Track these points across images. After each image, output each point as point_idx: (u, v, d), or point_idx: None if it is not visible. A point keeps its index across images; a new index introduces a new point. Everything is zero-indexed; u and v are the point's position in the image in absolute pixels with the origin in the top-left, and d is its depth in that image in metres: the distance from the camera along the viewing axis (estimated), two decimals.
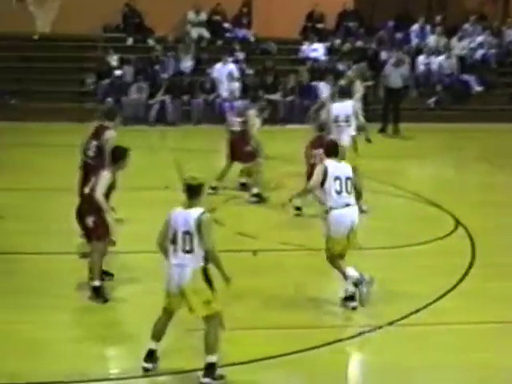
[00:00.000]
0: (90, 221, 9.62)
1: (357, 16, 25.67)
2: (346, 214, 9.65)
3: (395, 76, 21.65)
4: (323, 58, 24.37)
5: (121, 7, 24.16)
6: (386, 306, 9.79)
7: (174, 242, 7.65)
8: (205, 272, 7.63)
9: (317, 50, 24.46)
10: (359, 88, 20.48)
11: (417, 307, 9.61)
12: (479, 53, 25.02)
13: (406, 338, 9.03)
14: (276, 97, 22.41)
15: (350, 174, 9.82)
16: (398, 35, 25.33)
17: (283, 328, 9.16)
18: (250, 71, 23.23)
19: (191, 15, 24.69)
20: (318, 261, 11.23)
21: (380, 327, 9.15)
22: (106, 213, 9.52)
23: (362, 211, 12.25)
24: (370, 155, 15.19)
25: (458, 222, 13.12)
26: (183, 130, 21.73)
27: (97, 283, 9.68)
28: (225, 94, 22.48)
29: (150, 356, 7.87)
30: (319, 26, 25.30)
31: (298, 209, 13.28)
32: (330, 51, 24.64)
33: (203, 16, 24.79)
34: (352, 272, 9.66)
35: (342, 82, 22.58)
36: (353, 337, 9.11)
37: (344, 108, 14.03)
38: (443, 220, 13.37)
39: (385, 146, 19.59)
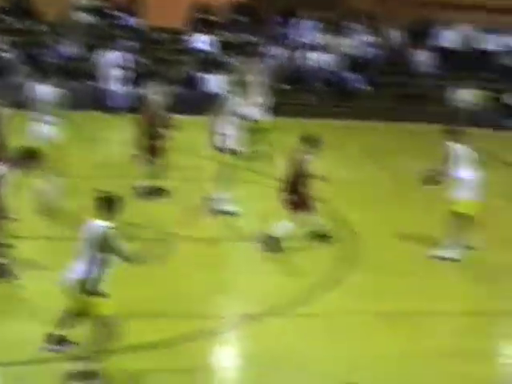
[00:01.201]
0: None
1: (248, 10, 25.94)
2: None
3: None
4: (212, 50, 24.54)
5: None
6: None
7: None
8: None
9: (206, 42, 24.61)
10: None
11: None
12: (365, 52, 25.63)
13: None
14: (164, 87, 22.37)
15: None
16: (285, 30, 25.71)
17: (166, 316, 9.32)
18: (141, 60, 23.17)
19: (82, 0, 24.41)
20: (208, 252, 11.46)
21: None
22: None
23: None
24: None
25: None
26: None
27: None
28: (113, 81, 22.39)
29: None
30: (209, 17, 25.44)
31: None
32: (219, 44, 24.83)
33: (94, 2, 24.55)
34: None
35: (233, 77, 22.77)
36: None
37: None
38: None
39: None
